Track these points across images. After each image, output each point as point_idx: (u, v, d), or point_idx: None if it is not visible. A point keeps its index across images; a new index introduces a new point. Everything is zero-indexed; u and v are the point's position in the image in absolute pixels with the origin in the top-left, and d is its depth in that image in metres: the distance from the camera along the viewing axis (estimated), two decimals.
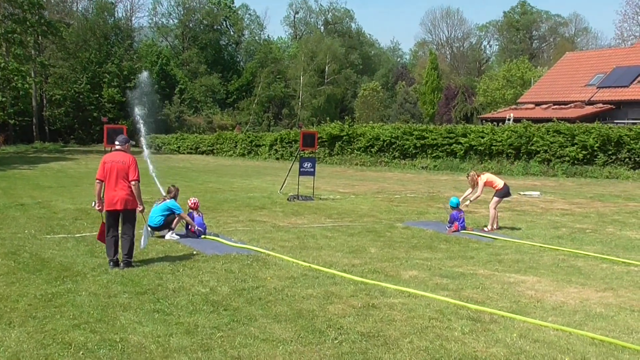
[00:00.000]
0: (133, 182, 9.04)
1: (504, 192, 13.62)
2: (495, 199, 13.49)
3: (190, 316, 6.74)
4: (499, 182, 13.61)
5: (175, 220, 11.50)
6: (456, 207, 13.39)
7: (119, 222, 9.11)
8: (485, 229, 13.29)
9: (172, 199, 11.60)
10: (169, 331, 6.23)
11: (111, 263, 9.02)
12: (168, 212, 11.35)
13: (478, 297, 7.75)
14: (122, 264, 8.99)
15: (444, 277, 8.85)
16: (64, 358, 5.51)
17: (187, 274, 8.64)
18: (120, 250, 9.08)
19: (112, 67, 61.01)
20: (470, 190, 13.83)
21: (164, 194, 12.66)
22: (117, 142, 9.38)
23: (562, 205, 18.43)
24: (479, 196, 13.59)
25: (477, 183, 13.54)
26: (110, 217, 9.07)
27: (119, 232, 9.13)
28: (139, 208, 9.30)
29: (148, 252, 10.06)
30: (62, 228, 12.47)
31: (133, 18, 79.65)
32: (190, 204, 11.95)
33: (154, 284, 8.07)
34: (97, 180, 9.08)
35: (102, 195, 9.09)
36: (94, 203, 9.29)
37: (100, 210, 9.16)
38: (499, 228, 13.51)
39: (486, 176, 13.65)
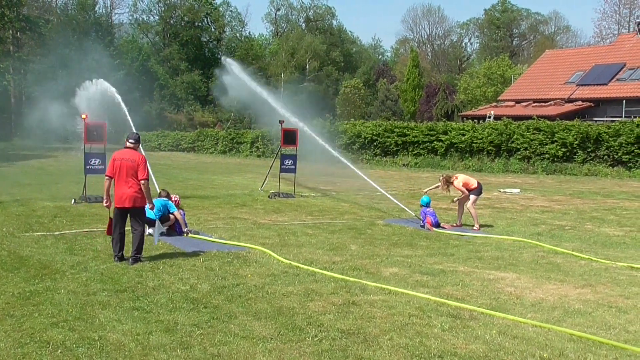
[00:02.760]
0: (142, 181, 9.12)
1: (479, 190, 13.73)
2: (473, 197, 13.56)
3: (170, 314, 6.70)
4: (473, 182, 13.70)
5: (171, 219, 11.44)
6: (426, 205, 13.48)
7: (128, 219, 9.25)
8: (474, 228, 13.31)
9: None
10: (149, 329, 6.19)
11: (116, 258, 9.17)
12: (163, 210, 11.29)
13: (458, 294, 7.80)
14: (131, 260, 9.06)
15: (424, 274, 8.88)
16: (42, 357, 5.45)
17: (167, 272, 8.59)
18: (131, 246, 9.23)
19: (92, 64, 60.38)
20: (438, 186, 13.91)
21: (158, 190, 12.73)
22: (130, 140, 9.44)
23: (542, 203, 18.60)
24: (467, 195, 13.57)
25: (452, 185, 13.60)
26: (118, 214, 9.22)
27: (131, 228, 9.30)
28: (149, 205, 9.45)
29: (127, 249, 9.97)
30: (41, 226, 12.34)
31: (113, 14, 79.03)
32: (174, 199, 11.96)
33: (133, 281, 8.01)
34: (107, 177, 9.24)
35: (110, 192, 9.27)
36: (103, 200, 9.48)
37: (108, 207, 9.35)
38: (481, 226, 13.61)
39: (461, 178, 13.71)
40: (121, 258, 9.17)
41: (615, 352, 5.85)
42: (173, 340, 5.92)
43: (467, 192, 13.48)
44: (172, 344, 5.83)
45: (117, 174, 9.10)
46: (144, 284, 7.91)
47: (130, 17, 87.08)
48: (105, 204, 9.35)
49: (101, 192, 16.35)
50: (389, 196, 16.59)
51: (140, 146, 9.75)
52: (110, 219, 9.36)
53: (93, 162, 16.49)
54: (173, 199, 11.92)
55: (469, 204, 13.54)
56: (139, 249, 9.17)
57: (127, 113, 18.09)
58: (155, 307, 6.92)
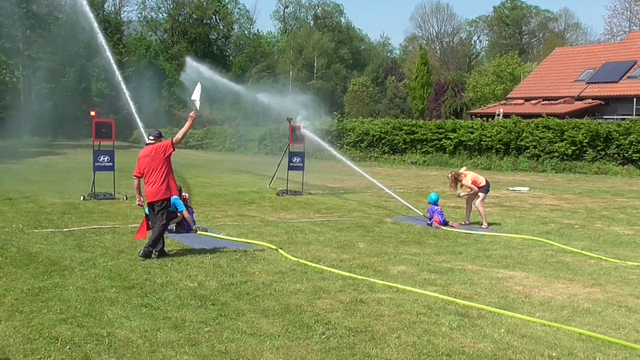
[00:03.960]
0: (175, 141, 9.36)
1: (487, 188, 13.66)
2: (482, 195, 13.49)
3: (178, 311, 6.71)
4: (482, 179, 13.63)
5: (178, 217, 11.44)
6: (434, 203, 13.42)
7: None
8: (483, 226, 13.24)
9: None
10: (157, 326, 6.20)
11: (157, 253, 9.30)
12: (171, 208, 11.26)
13: (466, 293, 7.77)
14: (142, 251, 9.14)
15: (432, 272, 8.86)
16: (51, 352, 5.47)
17: (175, 269, 8.61)
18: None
19: (100, 61, 60.55)
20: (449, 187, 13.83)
21: None
22: (150, 137, 9.66)
23: (551, 201, 18.51)
24: (475, 192, 13.50)
25: (461, 183, 13.51)
26: (150, 210, 9.49)
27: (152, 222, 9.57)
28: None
29: (136, 246, 10.01)
30: (50, 222, 12.38)
31: (122, 12, 79.22)
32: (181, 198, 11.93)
33: (141, 278, 8.03)
34: (134, 177, 9.56)
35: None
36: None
37: (141, 205, 9.74)
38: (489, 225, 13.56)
39: (470, 175, 13.62)
40: (161, 253, 9.31)
41: (624, 352, 5.81)
42: (181, 337, 5.93)
43: (476, 189, 13.42)
44: (180, 340, 5.83)
45: (143, 172, 9.37)
46: (152, 280, 7.93)
47: (139, 15, 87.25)
48: (137, 203, 9.76)
49: (109, 189, 16.55)
50: (392, 194, 16.56)
51: (162, 139, 9.76)
52: (145, 218, 9.80)
53: (102, 159, 16.55)
54: (182, 197, 11.93)
55: (477, 202, 13.48)
56: (154, 243, 9.22)
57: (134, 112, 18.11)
58: (163, 304, 6.93)
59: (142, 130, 18.80)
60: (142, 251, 9.12)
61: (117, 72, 20.07)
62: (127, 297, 7.15)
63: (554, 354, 5.70)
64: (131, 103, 18.29)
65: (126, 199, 16.19)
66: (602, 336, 6.19)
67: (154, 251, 9.22)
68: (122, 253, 9.51)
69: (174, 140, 9.41)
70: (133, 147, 42.08)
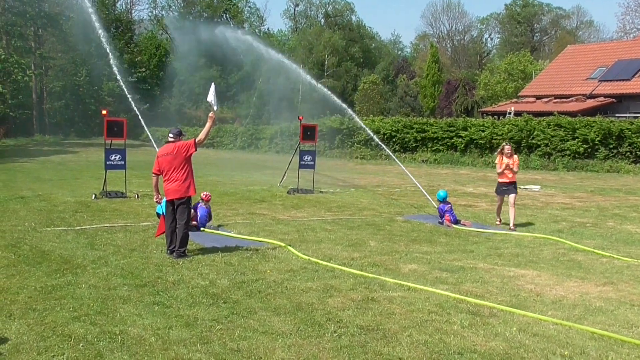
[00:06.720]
0: (197, 142, 9.41)
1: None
2: (514, 195, 13.18)
3: (190, 309, 6.74)
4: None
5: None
6: (443, 200, 13.35)
7: (175, 212, 9.47)
8: (511, 227, 12.87)
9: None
10: (169, 324, 6.24)
11: (168, 251, 9.39)
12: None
13: (477, 291, 7.75)
14: (175, 254, 9.22)
15: (443, 270, 8.85)
16: (64, 350, 5.51)
17: (186, 267, 8.65)
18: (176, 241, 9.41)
19: (112, 60, 60.79)
20: (503, 160, 13.13)
21: None
22: (169, 135, 9.65)
23: (563, 199, 18.42)
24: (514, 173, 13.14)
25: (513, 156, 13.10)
26: (168, 208, 9.53)
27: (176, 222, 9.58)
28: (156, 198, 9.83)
29: (147, 244, 10.07)
30: (62, 221, 12.46)
31: (133, 11, 79.50)
32: (202, 196, 12.09)
33: (153, 276, 8.07)
34: (153, 174, 9.61)
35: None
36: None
37: (159, 202, 9.89)
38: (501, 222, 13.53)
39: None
40: (172, 251, 9.34)
41: (637, 351, 5.79)
42: (193, 335, 5.96)
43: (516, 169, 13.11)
44: (192, 338, 5.86)
45: (162, 170, 9.41)
46: (163, 278, 7.97)
47: (150, 14, 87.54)
48: (155, 200, 9.86)
49: (121, 187, 16.64)
50: (415, 182, 16.52)
51: (182, 138, 9.75)
52: (162, 217, 9.90)
53: (113, 157, 16.64)
54: (204, 195, 12.09)
55: (511, 201, 13.10)
56: (182, 242, 9.29)
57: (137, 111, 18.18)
58: (175, 302, 6.96)
59: (148, 131, 18.91)
60: (175, 254, 9.20)
61: (119, 76, 20.39)
62: (140, 295, 7.19)
63: (566, 353, 5.68)
64: (134, 106, 18.37)
65: (137, 197, 16.27)
66: (615, 335, 6.16)
67: (182, 250, 9.27)
68: (134, 251, 9.56)
69: (197, 140, 9.43)
70: (144, 145, 42.23)
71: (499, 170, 13.17)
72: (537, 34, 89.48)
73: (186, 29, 67.96)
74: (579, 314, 6.90)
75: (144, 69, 64.30)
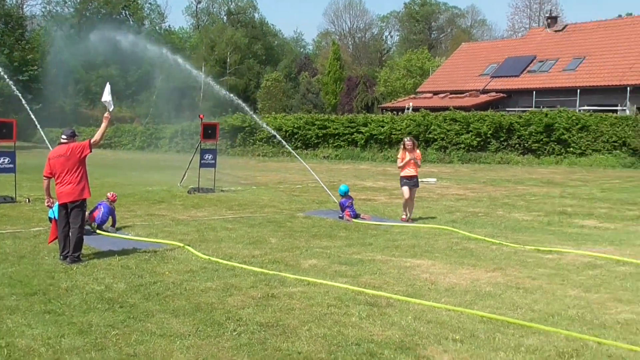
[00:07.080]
0: (92, 143, 9.10)
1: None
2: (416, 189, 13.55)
3: (84, 315, 6.51)
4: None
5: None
6: (344, 195, 13.60)
7: (69, 216, 9.09)
8: (407, 218, 13.23)
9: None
10: (61, 332, 6.00)
11: (61, 257, 9.00)
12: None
13: (375, 283, 7.95)
14: (69, 259, 8.85)
15: (342, 264, 9.01)
16: None
17: (81, 272, 8.34)
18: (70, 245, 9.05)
19: (1, 58, 57.54)
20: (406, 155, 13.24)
21: None
22: (62, 136, 9.24)
23: (457, 191, 19.19)
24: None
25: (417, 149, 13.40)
26: (61, 212, 9.13)
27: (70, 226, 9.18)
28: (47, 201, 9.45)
29: (39, 250, 9.64)
30: None
31: (25, 6, 75.54)
32: (109, 195, 11.92)
33: (45, 283, 7.73)
34: (44, 177, 9.20)
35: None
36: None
37: (50, 206, 9.47)
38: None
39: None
40: (66, 257, 8.96)
41: (521, 331, 6.13)
42: (87, 342, 5.76)
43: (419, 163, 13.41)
44: (86, 346, 5.67)
45: (54, 173, 9.01)
46: (56, 285, 7.65)
47: (44, 9, 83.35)
48: (47, 204, 9.47)
49: (10, 191, 15.81)
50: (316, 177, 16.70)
51: (76, 139, 9.38)
52: (54, 222, 9.45)
53: (2, 160, 15.81)
54: (111, 195, 11.89)
55: (413, 195, 13.31)
56: (76, 247, 8.94)
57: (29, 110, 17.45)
58: (68, 309, 6.70)
59: (42, 132, 18.14)
60: (69, 259, 8.84)
61: (4, 75, 19.64)
62: (29, 304, 6.87)
63: (457, 337, 5.93)
64: (26, 105, 17.59)
65: (29, 201, 15.53)
66: (501, 317, 6.50)
67: (76, 255, 8.93)
68: (23, 258, 9.11)
69: (92, 141, 9.12)
70: (37, 147, 40.23)
71: (400, 165, 13.45)
72: (434, 32, 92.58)
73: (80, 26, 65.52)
74: (470, 300, 7.22)
75: (36, 67, 61.18)
